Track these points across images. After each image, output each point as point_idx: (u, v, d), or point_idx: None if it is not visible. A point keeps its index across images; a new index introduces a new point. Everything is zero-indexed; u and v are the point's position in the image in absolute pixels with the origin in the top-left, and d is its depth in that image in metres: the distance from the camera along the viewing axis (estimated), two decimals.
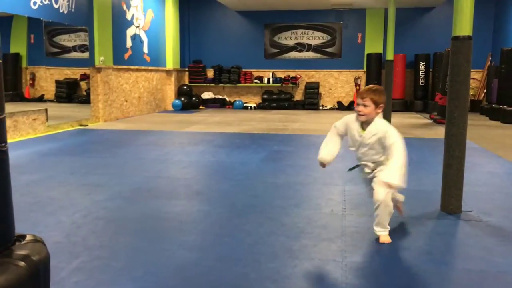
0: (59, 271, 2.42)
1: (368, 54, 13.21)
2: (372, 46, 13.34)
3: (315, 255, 2.71)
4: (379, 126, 2.88)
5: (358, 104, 2.89)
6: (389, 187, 2.73)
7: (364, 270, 2.53)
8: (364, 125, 2.94)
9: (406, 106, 12.92)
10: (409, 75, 13.11)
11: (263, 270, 2.50)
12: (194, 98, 13.23)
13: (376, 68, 13.03)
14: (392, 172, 2.71)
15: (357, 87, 13.53)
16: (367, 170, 3.05)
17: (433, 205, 3.67)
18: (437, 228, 3.24)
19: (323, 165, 3.19)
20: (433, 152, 6.21)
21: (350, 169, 3.25)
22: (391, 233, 2.99)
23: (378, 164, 2.96)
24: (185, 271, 2.49)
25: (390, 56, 8.91)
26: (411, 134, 8.14)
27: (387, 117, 8.79)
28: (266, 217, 3.40)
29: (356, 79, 13.54)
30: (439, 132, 8.02)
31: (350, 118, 3.03)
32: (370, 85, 2.97)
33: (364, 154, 2.99)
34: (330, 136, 3.17)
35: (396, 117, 9.96)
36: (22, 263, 1.69)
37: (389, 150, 2.81)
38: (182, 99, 12.77)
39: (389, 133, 2.85)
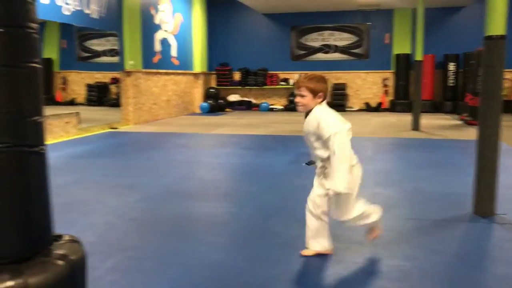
0: (94, 270, 2.48)
1: (396, 55, 13.06)
2: (400, 46, 13.17)
3: (346, 258, 2.70)
4: (314, 113, 2.54)
5: (295, 96, 2.61)
6: (336, 194, 2.51)
7: (397, 273, 2.51)
8: (306, 115, 2.63)
9: (435, 107, 12.70)
10: (438, 76, 12.88)
11: (294, 272, 2.51)
12: (221, 101, 13.32)
13: (405, 68, 12.87)
14: (335, 178, 2.44)
15: (385, 88, 13.39)
16: (317, 169, 2.69)
17: (465, 208, 3.61)
18: (470, 232, 3.19)
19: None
20: (464, 153, 6.09)
21: (307, 164, 2.83)
22: (423, 236, 2.95)
23: (325, 162, 2.59)
24: (216, 272, 2.52)
25: (419, 56, 8.78)
26: (441, 135, 8.01)
27: (416, 118, 8.68)
28: (295, 219, 3.40)
29: (384, 80, 13.40)
30: (470, 133, 7.86)
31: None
32: (306, 73, 2.64)
33: (310, 149, 2.67)
34: None
35: (426, 118, 9.81)
36: (60, 262, 1.74)
37: (328, 147, 2.48)
38: (209, 101, 12.88)
39: (323, 123, 2.47)
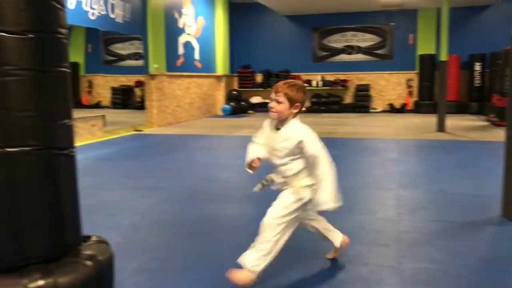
0: (121, 271, 2.52)
1: (420, 55, 12.89)
2: (425, 46, 13.00)
3: (370, 261, 2.68)
4: (295, 130, 2.36)
5: (270, 100, 2.39)
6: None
7: (422, 277, 2.48)
8: (279, 126, 2.41)
9: (460, 108, 12.48)
10: (464, 76, 12.66)
11: (317, 274, 2.50)
12: (243, 103, 13.37)
13: (429, 69, 12.69)
14: (327, 195, 2.31)
15: (410, 89, 13.23)
16: (276, 186, 2.53)
17: (493, 211, 3.54)
18: (498, 235, 3.13)
19: (252, 166, 2.54)
20: (491, 155, 5.97)
21: (261, 188, 2.65)
22: (448, 239, 2.90)
23: (287, 179, 2.44)
24: None
25: (443, 56, 8.65)
26: (467, 137, 7.87)
27: (441, 120, 8.55)
28: None
29: (408, 81, 13.24)
30: (498, 134, 7.70)
31: (266, 121, 2.52)
32: (288, 80, 2.45)
33: (275, 160, 2.45)
34: (250, 144, 2.60)
35: (451, 119, 9.65)
36: (89, 263, 1.78)
37: (312, 164, 2.34)
38: (232, 103, 12.94)
39: (307, 141, 2.33)
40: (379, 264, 2.63)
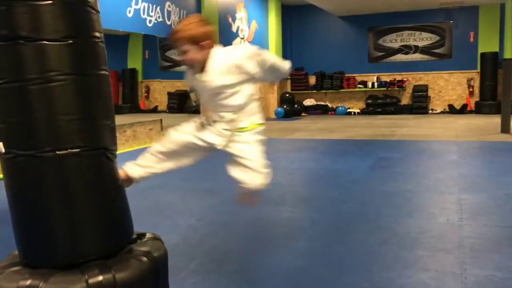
0: (179, 271, 2.58)
1: (482, 54, 12.34)
2: (487, 44, 12.43)
3: (431, 266, 2.59)
4: (222, 55, 2.10)
5: (176, 53, 2.14)
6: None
7: (487, 284, 2.36)
8: (202, 68, 2.13)
9: None
10: None
11: (376, 279, 2.44)
12: (296, 106, 13.33)
13: (492, 68, 12.11)
14: (282, 63, 2.32)
15: (470, 89, 12.69)
16: (221, 126, 2.19)
17: None
18: None
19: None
20: None
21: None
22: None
23: (236, 113, 2.17)
24: (296, 277, 2.52)
25: (508, 54, 8.26)
26: None
27: (506, 120, 8.13)
28: (377, 225, 3.32)
29: (469, 80, 12.71)
30: None
31: (186, 71, 2.25)
32: (179, 24, 2.13)
33: (217, 104, 2.17)
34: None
35: None
36: (144, 259, 1.82)
37: (266, 70, 2.19)
38: (285, 106, 12.93)
39: (246, 52, 2.10)
40: (441, 270, 2.53)
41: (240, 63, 2.08)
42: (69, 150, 1.67)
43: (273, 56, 2.32)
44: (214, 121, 2.21)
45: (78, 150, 1.69)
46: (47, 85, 1.63)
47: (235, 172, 2.26)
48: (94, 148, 1.75)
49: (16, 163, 1.69)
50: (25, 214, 1.73)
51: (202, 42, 2.06)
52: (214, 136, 2.20)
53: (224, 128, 2.19)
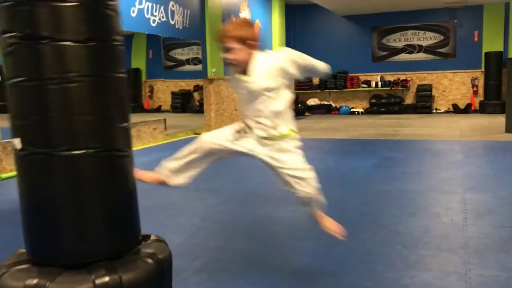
0: (182, 271, 2.58)
1: (486, 53, 12.29)
2: (491, 44, 12.39)
3: (435, 266, 2.58)
4: (266, 57, 2.15)
5: (221, 51, 2.19)
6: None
7: (491, 285, 2.36)
8: (244, 70, 2.18)
9: None
10: None
11: (379, 279, 2.44)
12: (299, 105, 13.32)
13: (496, 67, 12.07)
14: (320, 63, 2.35)
15: (475, 88, 12.65)
16: (260, 132, 2.22)
17: None
18: None
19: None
20: None
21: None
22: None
23: (276, 117, 2.20)
24: (300, 277, 2.52)
25: None
26: None
27: (510, 120, 8.11)
28: (380, 225, 3.32)
29: (473, 79, 12.67)
30: None
31: (231, 72, 2.31)
32: (227, 23, 2.24)
33: (250, 108, 2.22)
34: None
35: None
36: (150, 261, 1.83)
37: (308, 71, 2.27)
38: None
39: (290, 55, 2.17)
40: (444, 270, 2.53)
41: (284, 66, 2.14)
42: (85, 150, 1.69)
43: (311, 58, 2.32)
44: (251, 128, 2.23)
45: (93, 151, 1.71)
46: (65, 85, 1.65)
47: (286, 184, 2.29)
48: (109, 149, 1.76)
49: (31, 160, 1.70)
50: (36, 211, 1.74)
51: (249, 42, 2.12)
52: (252, 143, 2.23)
53: (262, 135, 2.21)
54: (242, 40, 2.12)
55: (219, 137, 2.26)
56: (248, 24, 2.21)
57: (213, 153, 2.28)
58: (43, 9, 1.61)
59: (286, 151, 2.23)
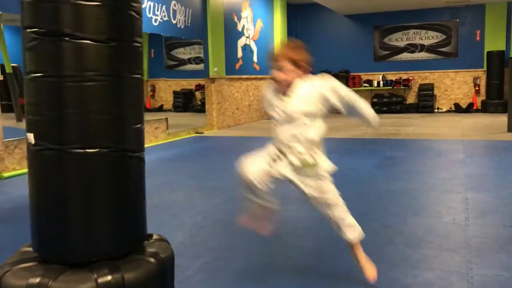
0: (185, 270, 2.59)
1: (488, 52, 12.27)
2: (493, 43, 12.37)
3: (437, 266, 2.58)
4: (312, 84, 2.18)
5: (271, 68, 2.20)
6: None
7: (493, 284, 2.36)
8: (286, 91, 2.20)
9: None
10: None
11: (382, 278, 2.44)
12: None
13: (498, 66, 12.05)
14: (370, 113, 2.31)
15: (477, 88, 12.63)
16: (294, 160, 2.22)
17: None
18: None
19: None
20: None
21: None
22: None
23: (313, 145, 2.22)
24: (303, 276, 2.52)
25: None
26: None
27: None
28: (382, 224, 3.32)
29: (475, 79, 12.65)
30: None
31: (264, 89, 2.34)
32: (285, 44, 2.29)
33: (285, 132, 2.20)
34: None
35: None
36: (152, 260, 1.84)
37: (351, 106, 2.22)
38: None
39: (333, 84, 2.17)
40: (447, 270, 2.53)
41: (326, 93, 2.15)
42: (98, 149, 1.69)
43: (357, 97, 2.26)
44: (284, 153, 2.23)
45: (106, 150, 1.71)
46: (83, 84, 1.66)
47: (323, 212, 2.32)
48: (122, 150, 1.76)
49: (44, 156, 1.71)
50: (45, 207, 1.75)
51: (302, 65, 2.16)
52: (287, 169, 2.23)
53: (295, 162, 2.21)
54: (296, 62, 2.15)
55: (257, 165, 2.25)
56: (304, 48, 2.24)
57: (262, 177, 2.25)
58: (66, 6, 1.62)
59: (318, 179, 2.26)
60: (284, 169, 2.23)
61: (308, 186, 2.25)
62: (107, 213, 1.76)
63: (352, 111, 2.28)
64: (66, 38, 1.63)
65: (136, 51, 1.80)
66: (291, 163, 2.22)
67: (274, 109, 2.24)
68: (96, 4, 1.65)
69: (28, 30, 1.67)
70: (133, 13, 1.76)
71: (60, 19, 1.63)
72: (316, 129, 2.21)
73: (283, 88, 2.20)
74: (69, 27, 1.63)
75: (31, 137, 1.71)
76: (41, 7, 1.64)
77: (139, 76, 1.83)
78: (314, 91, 2.17)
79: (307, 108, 2.15)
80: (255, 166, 2.22)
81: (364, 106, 2.30)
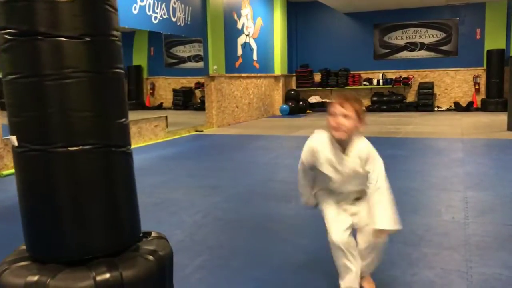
0: (184, 267, 2.59)
1: (488, 51, 12.27)
2: (493, 41, 12.36)
3: (437, 264, 2.58)
4: (361, 145, 2.13)
5: (334, 115, 2.08)
6: (385, 234, 2.14)
7: (493, 283, 2.36)
8: (343, 145, 2.14)
9: None
10: None
11: (381, 277, 2.44)
12: (301, 103, 13.31)
13: (498, 65, 12.05)
14: (386, 214, 2.08)
15: (477, 86, 12.63)
16: (344, 206, 2.28)
17: None
18: None
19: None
20: None
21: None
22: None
23: (358, 198, 2.25)
24: (302, 273, 2.52)
25: None
26: None
27: None
28: None
29: (475, 77, 12.65)
30: None
31: (316, 141, 2.20)
32: (345, 93, 2.17)
33: (344, 187, 2.23)
34: (302, 176, 2.35)
35: None
36: (151, 257, 1.82)
37: (370, 179, 2.11)
38: (290, 103, 12.92)
39: (372, 154, 2.12)
40: (446, 268, 2.52)
41: (368, 158, 2.11)
42: (81, 147, 1.68)
43: (383, 175, 2.14)
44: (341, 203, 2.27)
45: (90, 147, 1.70)
46: (62, 81, 1.64)
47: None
48: (106, 146, 1.75)
49: (28, 157, 1.70)
50: (35, 208, 1.74)
51: (361, 119, 2.09)
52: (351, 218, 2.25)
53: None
54: (359, 114, 2.09)
55: (342, 226, 2.21)
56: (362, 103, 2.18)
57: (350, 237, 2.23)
58: (40, 4, 1.60)
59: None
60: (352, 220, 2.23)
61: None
62: (97, 209, 1.75)
63: (369, 192, 2.14)
64: (41, 37, 1.61)
65: (114, 45, 1.78)
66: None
67: (330, 166, 2.17)
68: (69, 1, 1.62)
69: (2, 31, 1.65)
70: (107, 7, 1.74)
71: (33, 18, 1.61)
72: (363, 184, 2.19)
73: (342, 143, 2.13)
74: (44, 26, 1.60)
75: (14, 139, 1.70)
76: (14, 7, 1.62)
77: (119, 70, 1.81)
78: (365, 152, 2.13)
79: (359, 168, 2.14)
80: (341, 232, 2.19)
81: (382, 194, 2.10)
